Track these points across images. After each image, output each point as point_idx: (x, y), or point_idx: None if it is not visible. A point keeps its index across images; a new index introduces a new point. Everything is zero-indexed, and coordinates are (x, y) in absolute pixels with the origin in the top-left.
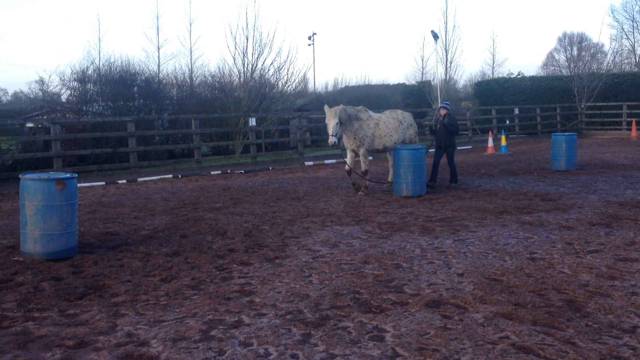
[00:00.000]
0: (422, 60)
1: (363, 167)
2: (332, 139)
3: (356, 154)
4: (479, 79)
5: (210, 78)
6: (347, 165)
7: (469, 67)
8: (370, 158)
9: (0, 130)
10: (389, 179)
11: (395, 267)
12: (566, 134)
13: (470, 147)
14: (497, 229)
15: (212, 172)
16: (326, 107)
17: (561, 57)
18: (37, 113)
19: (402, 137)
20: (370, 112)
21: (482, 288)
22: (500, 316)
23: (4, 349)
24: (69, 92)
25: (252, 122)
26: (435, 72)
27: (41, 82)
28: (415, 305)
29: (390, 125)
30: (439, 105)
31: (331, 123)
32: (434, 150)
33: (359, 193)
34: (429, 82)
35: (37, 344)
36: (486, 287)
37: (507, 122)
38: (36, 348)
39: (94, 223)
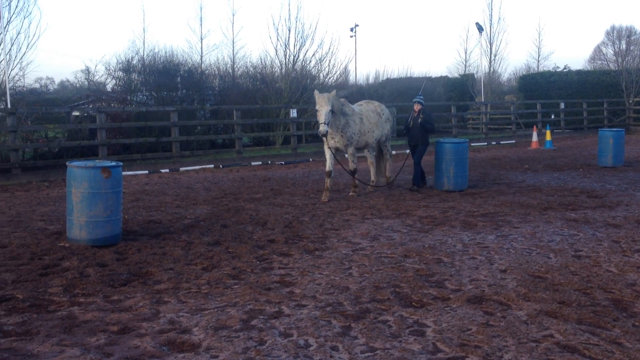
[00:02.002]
0: (466, 52)
1: (351, 165)
2: (323, 127)
3: (338, 151)
4: (524, 73)
5: (252, 69)
6: (327, 166)
7: (514, 60)
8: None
9: (47, 119)
10: (372, 177)
11: (437, 262)
12: (613, 129)
13: (513, 141)
14: (541, 226)
15: (253, 163)
16: (316, 93)
17: (609, 51)
18: (83, 102)
19: (381, 132)
20: (353, 106)
21: (526, 285)
22: (545, 314)
23: (51, 332)
24: (114, 81)
25: (293, 113)
26: (479, 65)
27: (87, 71)
28: (457, 300)
29: (372, 119)
30: (414, 99)
31: (323, 110)
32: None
33: (350, 194)
34: (472, 75)
35: (82, 328)
36: (530, 284)
37: (553, 116)
38: (81, 332)
39: (137, 211)
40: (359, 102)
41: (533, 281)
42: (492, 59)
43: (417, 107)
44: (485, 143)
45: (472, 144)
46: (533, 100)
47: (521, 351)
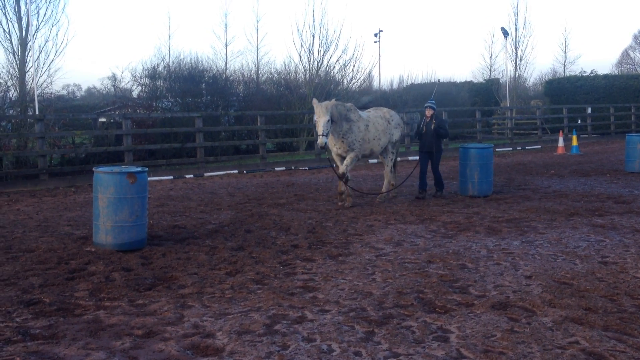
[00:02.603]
0: (491, 57)
1: (342, 168)
2: (322, 139)
3: (343, 159)
4: (550, 77)
5: (276, 75)
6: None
7: (540, 64)
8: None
9: (74, 125)
10: (383, 189)
11: (461, 268)
12: None
13: (539, 147)
14: (567, 231)
15: (277, 168)
16: (315, 102)
17: (637, 55)
18: (109, 108)
19: (389, 139)
20: (360, 112)
21: (551, 291)
22: (570, 321)
23: (77, 336)
24: (139, 88)
25: None
26: (504, 70)
27: (113, 78)
28: (481, 306)
29: (379, 126)
30: (426, 104)
31: (321, 120)
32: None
33: (339, 203)
34: (498, 80)
35: (107, 332)
36: (555, 290)
37: (579, 121)
38: (107, 336)
39: (162, 216)
40: (368, 110)
41: (559, 287)
42: (517, 63)
43: (429, 112)
44: (511, 148)
45: (497, 149)
46: (559, 105)
47: (546, 358)
